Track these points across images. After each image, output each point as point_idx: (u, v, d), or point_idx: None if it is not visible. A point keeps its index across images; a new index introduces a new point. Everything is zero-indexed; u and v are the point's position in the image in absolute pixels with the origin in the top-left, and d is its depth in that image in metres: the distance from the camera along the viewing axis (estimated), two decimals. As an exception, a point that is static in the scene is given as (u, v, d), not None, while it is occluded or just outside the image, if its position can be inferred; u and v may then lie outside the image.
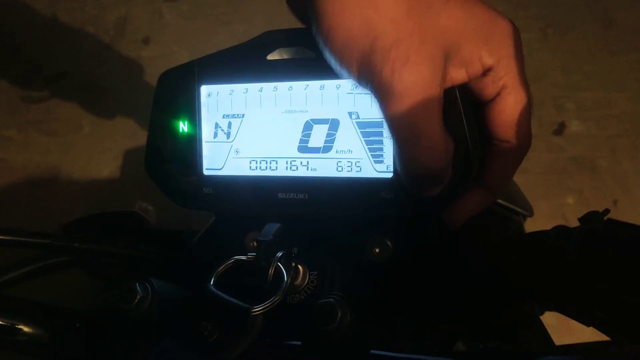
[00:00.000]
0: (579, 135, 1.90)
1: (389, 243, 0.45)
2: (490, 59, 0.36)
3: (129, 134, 1.83)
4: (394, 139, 0.36)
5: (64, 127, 1.96)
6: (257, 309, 0.36)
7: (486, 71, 0.37)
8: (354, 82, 0.37)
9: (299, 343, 0.38)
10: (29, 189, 1.84)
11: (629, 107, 1.93)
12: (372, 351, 0.36)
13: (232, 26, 2.10)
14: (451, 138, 0.37)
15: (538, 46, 2.09)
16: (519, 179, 0.77)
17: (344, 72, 0.37)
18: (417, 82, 0.33)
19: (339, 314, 0.35)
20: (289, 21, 0.45)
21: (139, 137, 1.81)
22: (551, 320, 0.46)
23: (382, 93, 0.34)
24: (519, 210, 0.58)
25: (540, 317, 0.47)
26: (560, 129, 1.92)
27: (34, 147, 1.94)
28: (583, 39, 2.11)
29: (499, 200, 0.55)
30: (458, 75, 0.37)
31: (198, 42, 2.05)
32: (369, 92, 0.36)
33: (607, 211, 0.33)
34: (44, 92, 2.06)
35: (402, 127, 0.35)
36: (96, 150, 1.87)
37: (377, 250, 0.45)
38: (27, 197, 1.82)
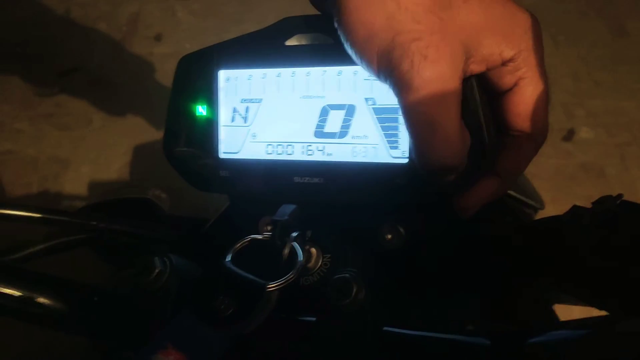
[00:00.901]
0: (588, 142, 1.90)
1: (401, 230, 0.46)
2: (510, 52, 0.36)
3: (139, 129, 1.85)
4: (410, 133, 0.36)
5: (75, 121, 1.98)
6: (272, 285, 0.37)
7: (505, 62, 0.37)
8: (373, 75, 0.37)
9: (313, 319, 0.39)
10: (38, 181, 1.85)
11: (639, 115, 1.93)
12: (384, 328, 0.37)
13: (244, 25, 2.12)
14: (468, 131, 0.38)
15: (548, 52, 2.07)
16: (527, 182, 0.78)
17: (363, 66, 0.37)
18: (435, 78, 0.33)
19: (354, 290, 0.36)
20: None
21: (149, 132, 1.82)
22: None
23: (400, 87, 0.34)
24: (530, 202, 0.58)
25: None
26: (569, 135, 1.92)
27: (44, 140, 1.95)
28: (594, 46, 2.11)
29: (511, 192, 0.55)
30: (477, 67, 0.37)
31: (210, 40, 2.06)
32: (388, 86, 0.36)
33: (620, 195, 0.34)
34: (55, 86, 2.07)
35: (419, 121, 0.35)
36: (106, 144, 1.88)
37: (389, 236, 0.46)
38: (37, 189, 1.84)
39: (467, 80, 0.38)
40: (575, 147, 1.90)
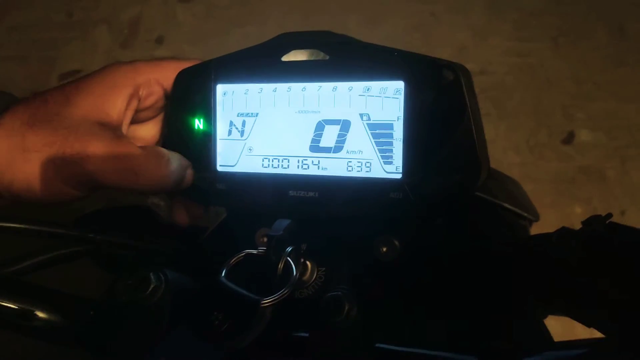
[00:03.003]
0: (588, 145, 1.91)
1: (396, 243, 0.46)
2: None
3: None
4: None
5: (77, 123, 1.98)
6: (267, 301, 0.37)
7: None
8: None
9: (306, 335, 0.39)
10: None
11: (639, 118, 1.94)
12: (377, 345, 0.37)
13: (245, 28, 2.12)
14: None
15: (549, 55, 2.09)
16: (526, 186, 0.78)
17: None
18: None
19: (346, 307, 0.36)
20: (302, 24, 0.46)
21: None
22: (556, 329, 0.47)
23: None
24: (525, 214, 0.58)
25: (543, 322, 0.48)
26: (569, 138, 1.92)
27: (46, 142, 1.96)
28: (595, 48, 2.11)
29: (505, 204, 0.55)
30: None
31: (211, 43, 2.07)
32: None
33: (609, 215, 0.34)
34: (57, 88, 2.08)
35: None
36: (107, 147, 1.88)
37: (384, 249, 0.46)
38: (39, 191, 1.84)
39: (460, 98, 0.39)
40: (575, 150, 1.90)
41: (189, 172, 0.49)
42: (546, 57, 2.09)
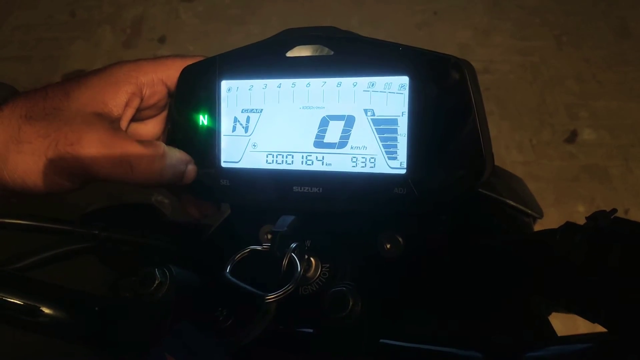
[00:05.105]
0: (592, 144, 1.90)
1: (400, 239, 0.46)
2: None
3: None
4: None
5: (80, 122, 1.98)
6: (271, 297, 0.37)
7: None
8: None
9: (310, 331, 0.39)
10: (43, 183, 1.86)
11: (643, 117, 1.93)
12: (381, 340, 0.37)
13: (248, 27, 2.12)
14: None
15: (552, 53, 2.09)
16: (529, 185, 0.78)
17: None
18: None
19: (351, 303, 0.36)
20: (304, 22, 0.46)
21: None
22: (557, 327, 0.47)
23: None
24: (529, 211, 0.58)
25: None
26: (572, 137, 1.92)
27: (49, 141, 1.96)
28: (598, 47, 2.11)
29: (509, 202, 0.55)
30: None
31: (214, 42, 2.08)
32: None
33: (614, 210, 0.34)
34: (60, 88, 2.08)
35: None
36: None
37: (388, 245, 0.46)
38: (42, 190, 1.84)
39: (465, 95, 0.40)
40: (578, 148, 1.90)
41: (190, 168, 0.48)
42: (549, 56, 2.09)
